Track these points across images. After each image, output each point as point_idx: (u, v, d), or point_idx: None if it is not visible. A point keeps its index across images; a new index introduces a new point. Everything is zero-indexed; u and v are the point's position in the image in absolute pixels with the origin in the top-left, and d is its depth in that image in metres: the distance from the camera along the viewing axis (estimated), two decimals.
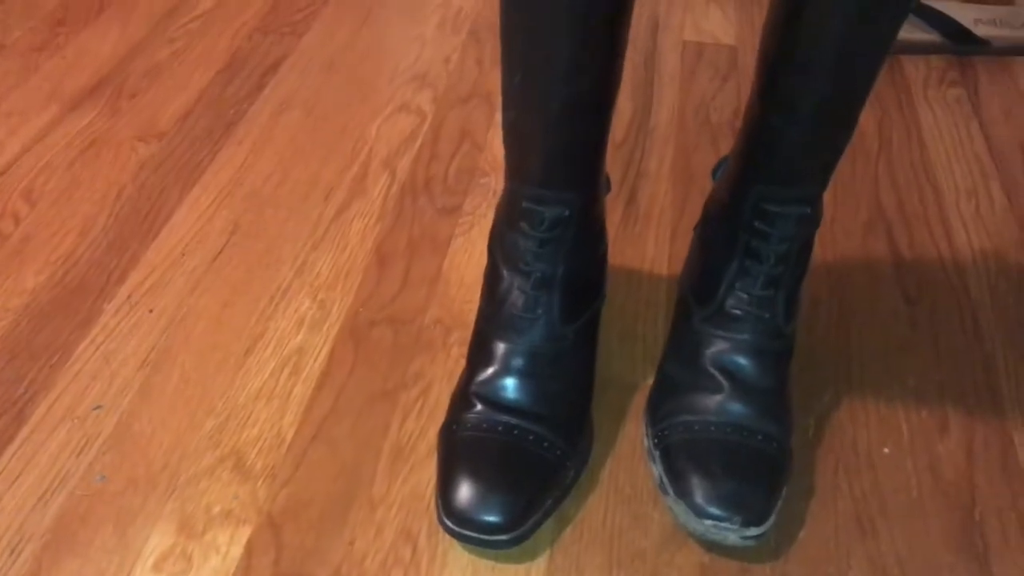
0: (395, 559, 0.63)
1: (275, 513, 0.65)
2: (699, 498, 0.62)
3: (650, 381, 0.74)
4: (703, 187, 0.95)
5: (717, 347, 0.68)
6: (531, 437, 0.65)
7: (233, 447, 0.69)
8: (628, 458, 0.70)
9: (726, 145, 1.01)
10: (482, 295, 0.71)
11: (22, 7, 1.21)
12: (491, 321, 0.68)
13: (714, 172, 0.75)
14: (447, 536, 0.63)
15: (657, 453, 0.66)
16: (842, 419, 0.73)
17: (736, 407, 0.66)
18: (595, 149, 0.65)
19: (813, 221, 0.67)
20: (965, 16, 1.18)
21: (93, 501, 0.65)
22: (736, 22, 1.22)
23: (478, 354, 0.68)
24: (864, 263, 0.87)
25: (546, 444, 0.65)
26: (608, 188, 0.73)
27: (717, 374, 0.67)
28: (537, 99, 0.60)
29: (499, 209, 0.70)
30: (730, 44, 1.17)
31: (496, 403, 0.66)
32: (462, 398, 0.67)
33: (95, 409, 0.71)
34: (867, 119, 1.06)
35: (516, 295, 0.67)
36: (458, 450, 0.65)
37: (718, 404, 0.66)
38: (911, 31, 1.18)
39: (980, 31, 1.17)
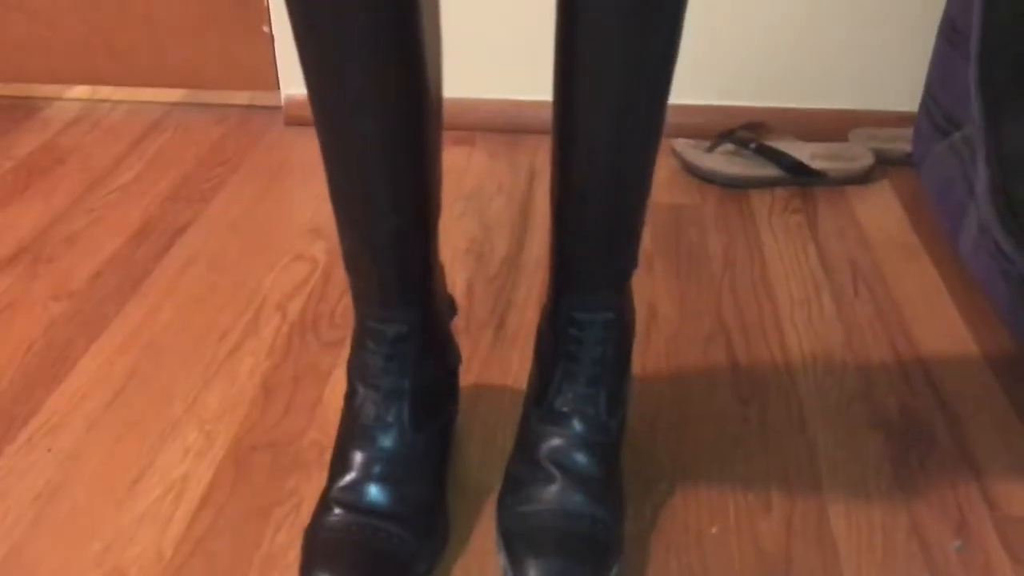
0: None
1: None
2: None
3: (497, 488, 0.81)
4: None
5: (551, 443, 0.76)
6: (385, 535, 0.72)
7: (115, 565, 0.75)
8: (480, 553, 0.76)
9: None
10: (342, 413, 0.79)
11: None
12: (348, 433, 0.76)
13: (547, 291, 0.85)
14: None
15: (501, 542, 0.73)
16: (675, 504, 0.81)
17: (568, 495, 0.74)
18: (423, 273, 0.75)
19: (619, 325, 0.77)
20: (803, 152, 1.34)
21: None
22: None
23: (337, 464, 0.76)
24: (704, 369, 0.97)
25: (397, 540, 0.72)
26: (453, 310, 0.83)
27: (551, 467, 0.75)
28: (361, 233, 0.71)
29: (353, 333, 0.79)
30: None
31: (353, 506, 0.73)
32: (323, 504, 0.75)
33: None
34: (715, 243, 1.19)
35: (368, 407, 0.76)
36: (317, 549, 0.71)
37: (553, 494, 0.74)
38: (756, 168, 1.33)
39: (816, 164, 1.33)
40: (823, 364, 0.98)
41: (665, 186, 1.33)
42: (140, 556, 0.76)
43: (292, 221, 1.25)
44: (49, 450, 0.87)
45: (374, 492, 0.74)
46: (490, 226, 1.24)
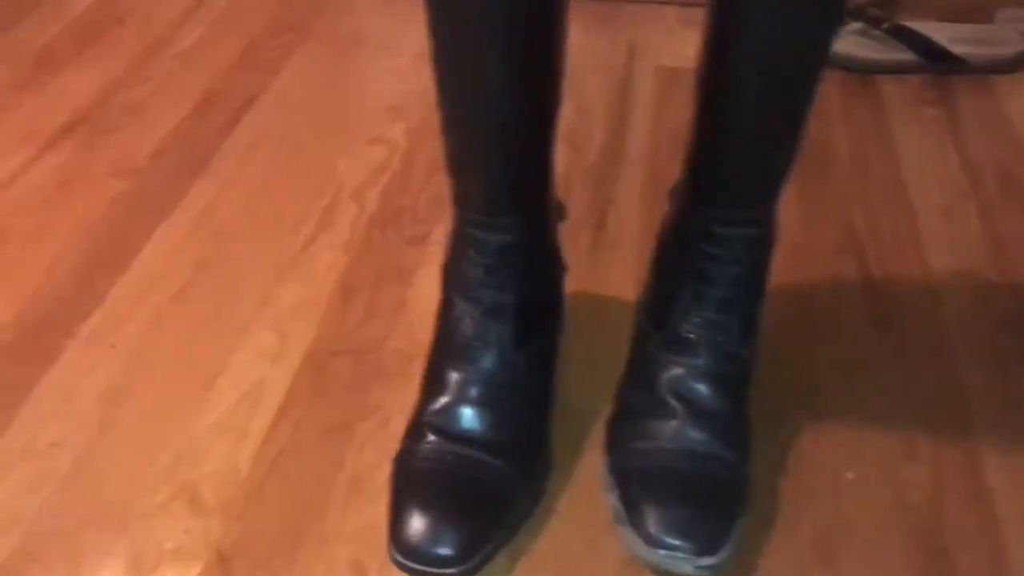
0: None
1: (225, 549, 0.64)
2: (652, 527, 0.61)
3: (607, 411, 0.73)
4: None
5: (672, 372, 0.67)
6: (484, 467, 0.64)
7: (187, 482, 0.69)
8: (586, 487, 0.69)
9: None
10: (435, 325, 0.70)
11: (6, 48, 1.23)
12: (443, 350, 0.68)
13: (670, 196, 0.74)
14: (398, 570, 0.62)
15: (612, 481, 0.65)
16: (805, 445, 0.72)
17: (691, 433, 0.65)
18: (538, 173, 0.65)
19: (765, 242, 0.66)
20: (942, 35, 1.18)
21: (45, 539, 0.65)
22: None
23: (431, 384, 0.68)
24: (832, 286, 0.86)
25: (499, 474, 0.64)
26: (562, 214, 0.73)
27: (672, 400, 0.66)
28: (472, 126, 0.60)
29: (449, 238, 0.70)
30: None
31: (449, 433, 0.65)
32: (415, 428, 0.67)
33: (52, 446, 0.71)
34: (840, 138, 1.06)
35: (467, 323, 0.67)
36: (409, 482, 0.64)
37: (673, 430, 0.65)
38: (888, 51, 1.17)
39: (957, 50, 1.17)
40: (968, 284, 0.87)
41: None
42: (214, 472, 0.70)
43: (367, 98, 1.14)
44: (113, 347, 0.80)
45: (472, 417, 0.66)
46: (586, 110, 1.11)
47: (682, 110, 1.10)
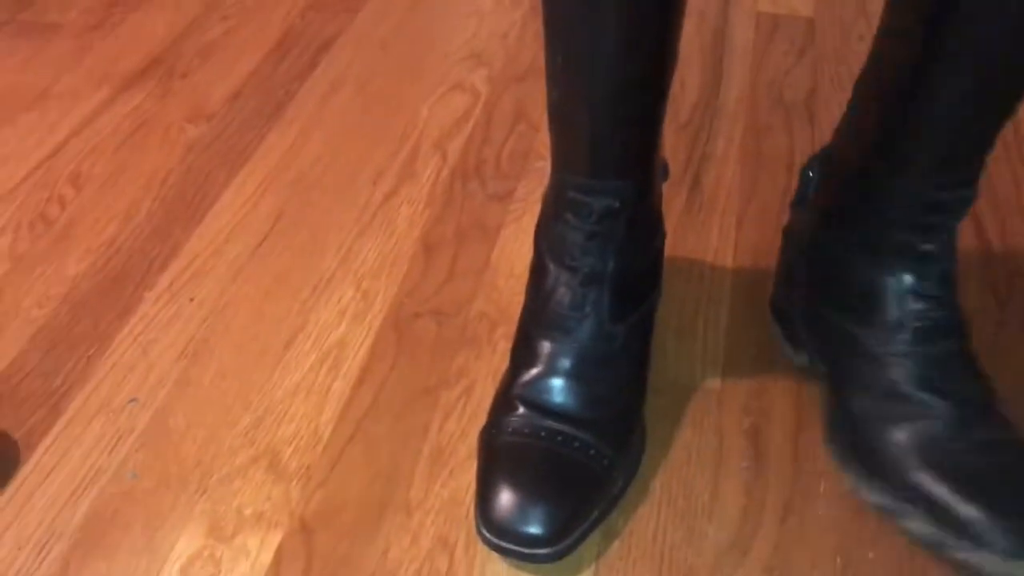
0: (430, 569, 0.59)
1: (308, 517, 0.62)
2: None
3: (710, 382, 0.69)
4: (773, 171, 0.89)
5: (912, 369, 0.61)
6: (576, 444, 0.60)
7: (268, 445, 0.67)
8: (682, 467, 0.65)
9: (800, 125, 0.94)
10: (527, 290, 0.66)
11: None
12: (536, 319, 0.64)
13: (806, 177, 0.67)
14: (485, 547, 0.59)
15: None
16: None
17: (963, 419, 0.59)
18: (648, 135, 0.59)
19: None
20: None
21: (123, 500, 0.64)
22: None
23: (522, 353, 0.64)
24: None
25: (592, 452, 0.60)
26: (666, 175, 0.68)
27: (927, 396, 0.60)
28: (582, 80, 0.55)
29: (545, 198, 0.65)
30: (807, 16, 1.10)
31: (540, 406, 0.62)
32: (504, 400, 0.63)
33: (130, 403, 0.70)
34: None
35: (563, 291, 0.63)
36: (498, 456, 0.61)
37: (949, 424, 0.59)
38: None
39: None
40: None
41: None
42: (295, 436, 0.67)
43: (449, 42, 1.08)
44: (192, 299, 0.78)
45: (565, 391, 0.62)
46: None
47: (781, 61, 1.04)
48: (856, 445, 0.62)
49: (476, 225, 0.84)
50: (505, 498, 0.58)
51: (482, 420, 0.65)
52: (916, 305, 0.60)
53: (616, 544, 0.61)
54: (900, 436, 0.59)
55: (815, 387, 0.69)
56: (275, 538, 0.61)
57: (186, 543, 0.61)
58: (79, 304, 0.77)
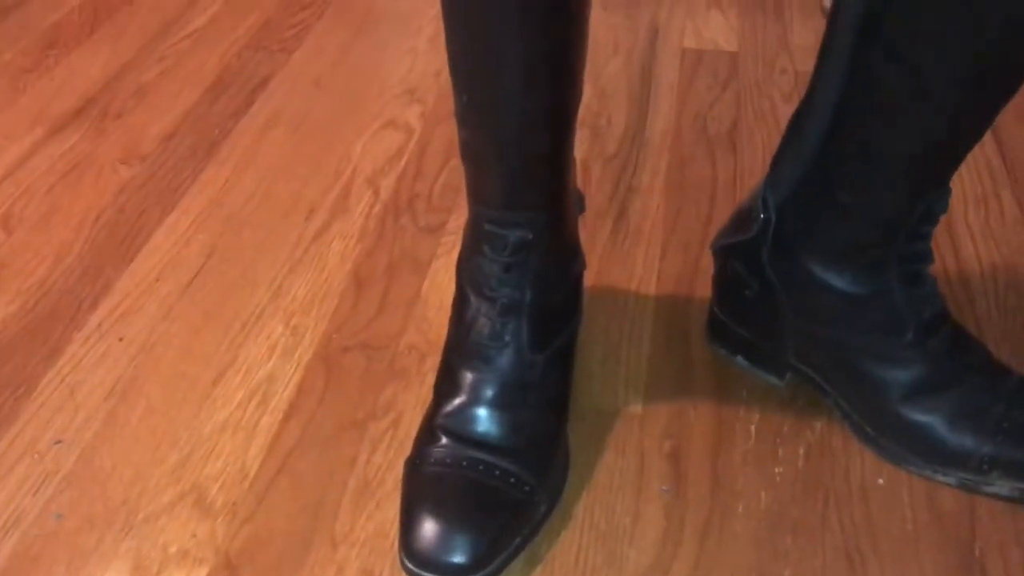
0: None
1: (233, 553, 0.63)
2: None
3: (633, 407, 0.71)
4: (697, 201, 0.91)
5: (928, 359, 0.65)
6: (498, 472, 0.62)
7: (195, 482, 0.67)
8: (605, 491, 0.66)
9: (723, 156, 0.97)
10: (450, 322, 0.68)
11: (15, 29, 1.20)
12: (458, 349, 0.65)
13: (749, 218, 0.68)
14: None
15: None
16: (835, 447, 0.69)
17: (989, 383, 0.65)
18: (557, 167, 0.61)
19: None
20: None
21: (47, 542, 0.63)
22: (738, 28, 1.18)
23: (444, 384, 0.65)
24: None
25: (514, 479, 0.62)
26: (582, 207, 0.70)
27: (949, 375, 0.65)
28: (488, 119, 0.57)
29: (465, 231, 0.67)
30: (731, 51, 1.13)
31: (462, 436, 0.63)
32: (428, 431, 0.65)
33: (56, 444, 0.69)
34: None
35: (483, 322, 0.64)
36: (421, 487, 0.62)
37: (979, 390, 0.64)
38: None
39: None
40: (1005, 277, 0.83)
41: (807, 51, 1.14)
42: (222, 472, 0.68)
43: (383, 79, 1.10)
44: (121, 339, 0.78)
45: (486, 420, 0.63)
46: (607, 93, 1.08)
47: (706, 94, 1.07)
48: (910, 444, 0.65)
49: (407, 258, 0.85)
50: (428, 528, 0.59)
51: (408, 450, 0.66)
52: (913, 303, 0.64)
53: (539, 569, 0.62)
54: (948, 420, 0.64)
55: (732, 410, 0.71)
56: (200, 574, 0.61)
57: None
58: (6, 346, 0.77)
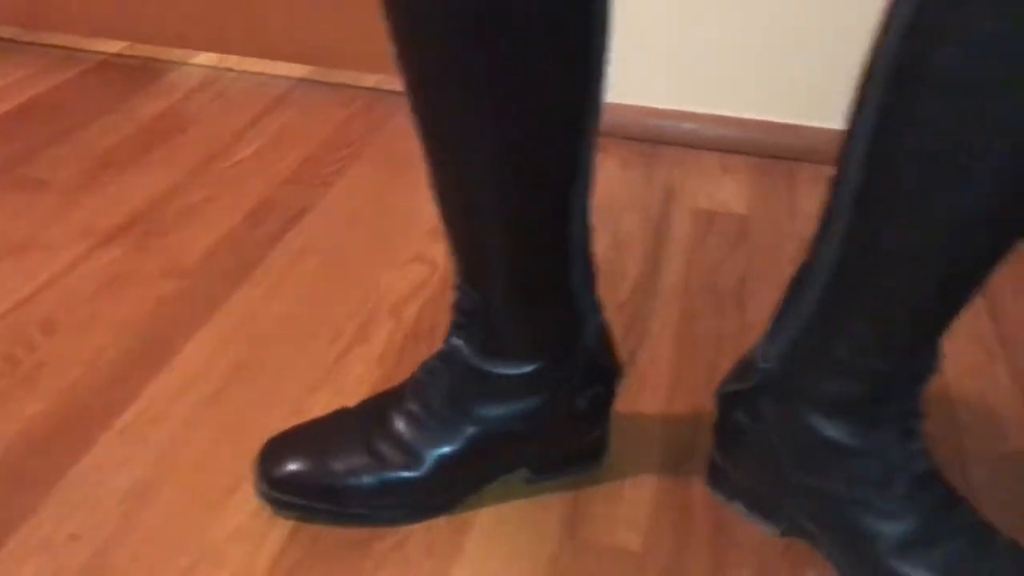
0: None
1: None
2: None
3: (632, 546, 0.72)
4: (704, 351, 0.96)
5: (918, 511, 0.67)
6: None
7: None
8: None
9: (731, 312, 1.02)
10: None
11: (74, 150, 1.29)
12: None
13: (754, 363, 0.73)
14: None
15: None
16: None
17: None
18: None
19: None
20: None
21: None
22: (748, 193, 1.26)
23: None
24: None
25: None
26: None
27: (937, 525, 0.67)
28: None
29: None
30: (741, 213, 1.20)
31: None
32: None
33: (71, 539, 0.72)
34: None
35: None
36: None
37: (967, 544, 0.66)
38: None
39: None
40: (1000, 449, 0.86)
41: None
42: None
43: (414, 217, 1.17)
44: (145, 442, 0.81)
45: None
46: (621, 244, 1.14)
47: (715, 253, 1.14)
48: None
49: None
50: None
51: (413, 571, 0.68)
52: (905, 457, 0.67)
53: None
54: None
55: (729, 555, 0.73)
56: None
57: None
58: (36, 442, 0.80)
